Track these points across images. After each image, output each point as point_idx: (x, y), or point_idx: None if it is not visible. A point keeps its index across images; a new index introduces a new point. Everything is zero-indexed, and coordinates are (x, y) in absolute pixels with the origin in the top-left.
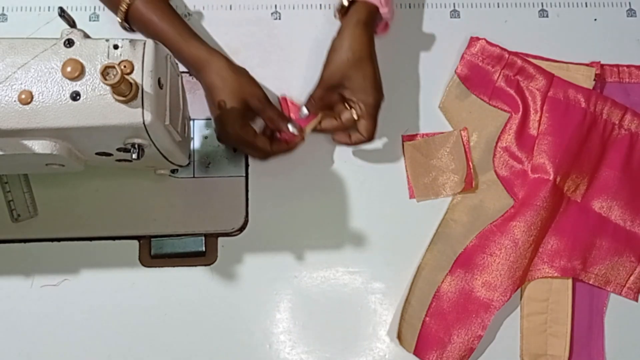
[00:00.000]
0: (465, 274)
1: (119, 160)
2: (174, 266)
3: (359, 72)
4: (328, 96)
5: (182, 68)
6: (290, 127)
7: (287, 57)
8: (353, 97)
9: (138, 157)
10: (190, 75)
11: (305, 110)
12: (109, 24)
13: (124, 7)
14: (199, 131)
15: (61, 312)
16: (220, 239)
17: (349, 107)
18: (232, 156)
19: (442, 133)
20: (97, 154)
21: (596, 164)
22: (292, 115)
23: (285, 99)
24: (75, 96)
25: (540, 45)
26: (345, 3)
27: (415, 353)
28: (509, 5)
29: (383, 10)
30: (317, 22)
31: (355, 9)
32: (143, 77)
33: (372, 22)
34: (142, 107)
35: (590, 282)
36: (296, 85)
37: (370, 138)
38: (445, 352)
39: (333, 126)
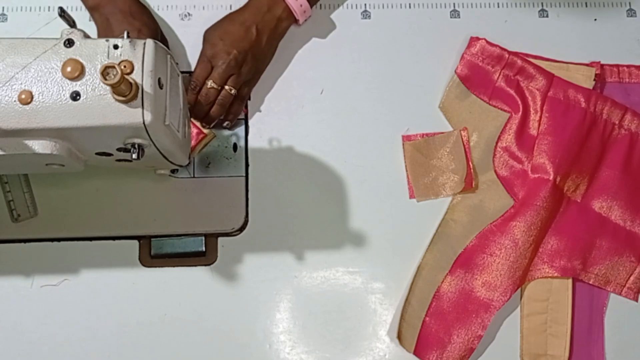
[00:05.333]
0: (465, 274)
1: (119, 160)
2: (174, 266)
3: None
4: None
5: (181, 68)
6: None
7: (287, 57)
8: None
9: (138, 157)
10: (191, 75)
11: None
12: None
13: None
14: None
15: (61, 312)
16: (220, 239)
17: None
18: (232, 156)
19: (442, 133)
20: (97, 154)
21: (596, 164)
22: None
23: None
24: (75, 96)
25: (540, 45)
26: None
27: (415, 353)
28: (509, 5)
29: None
30: (317, 21)
31: None
32: (143, 77)
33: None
34: (142, 107)
35: (590, 282)
36: (296, 85)
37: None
38: (445, 352)
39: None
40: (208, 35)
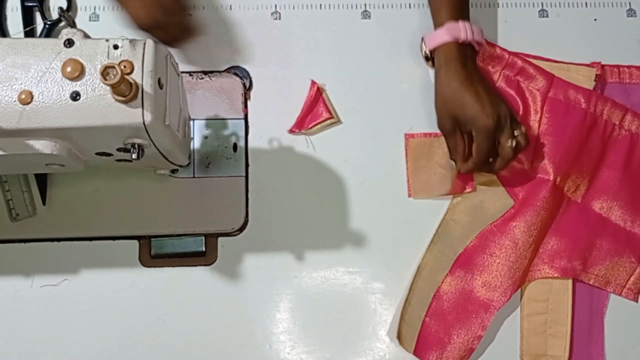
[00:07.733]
0: (465, 274)
1: (119, 160)
2: (174, 266)
3: (459, 108)
4: (455, 141)
5: (182, 68)
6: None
7: (287, 57)
8: (473, 128)
9: (138, 157)
10: (191, 75)
11: None
12: (109, 24)
13: None
14: (199, 131)
15: (61, 312)
16: (220, 239)
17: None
18: (232, 156)
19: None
20: (97, 154)
21: (596, 165)
22: None
23: None
24: (75, 96)
25: (540, 45)
26: (428, 53)
27: (415, 353)
28: (509, 5)
29: (463, 39)
30: (317, 22)
31: (436, 54)
32: (143, 77)
33: (459, 53)
34: (142, 107)
35: (590, 283)
36: (296, 85)
37: (479, 161)
38: (445, 352)
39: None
40: (462, 110)
